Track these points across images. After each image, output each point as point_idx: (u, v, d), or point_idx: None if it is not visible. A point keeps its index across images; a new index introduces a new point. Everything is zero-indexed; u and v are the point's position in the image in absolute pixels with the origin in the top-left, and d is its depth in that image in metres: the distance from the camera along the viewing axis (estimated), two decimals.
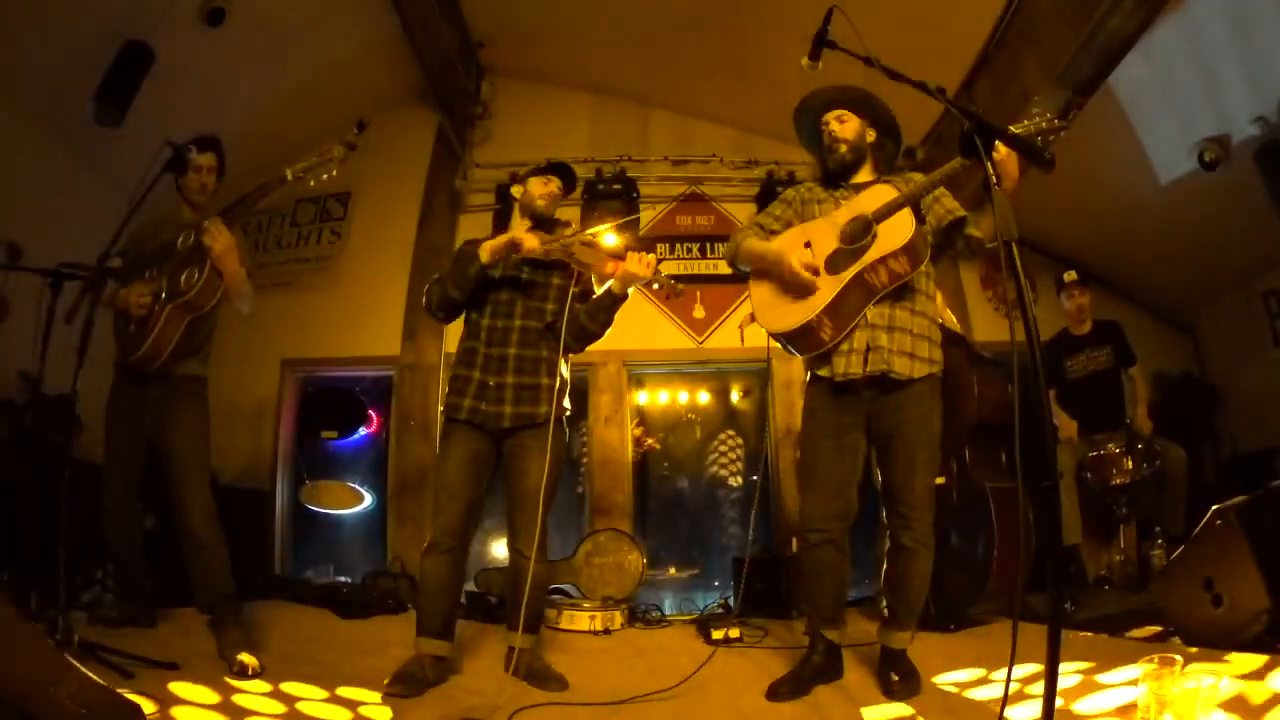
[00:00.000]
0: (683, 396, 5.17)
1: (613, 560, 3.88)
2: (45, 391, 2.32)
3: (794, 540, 3.22)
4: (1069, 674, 1.97)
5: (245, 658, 2.20)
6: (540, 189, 2.55)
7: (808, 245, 2.17)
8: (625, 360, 4.75)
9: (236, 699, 1.97)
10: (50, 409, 2.71)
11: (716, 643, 2.86)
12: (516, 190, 2.62)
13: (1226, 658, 1.94)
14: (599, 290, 2.44)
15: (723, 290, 4.71)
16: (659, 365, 4.95)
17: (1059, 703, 1.26)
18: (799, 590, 2.81)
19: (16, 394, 3.28)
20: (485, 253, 2.38)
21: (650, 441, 5.00)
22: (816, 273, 2.12)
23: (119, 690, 1.67)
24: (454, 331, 2.62)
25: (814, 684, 2.17)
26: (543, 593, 2.48)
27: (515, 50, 4.99)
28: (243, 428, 4.59)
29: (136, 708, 1.60)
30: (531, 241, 2.36)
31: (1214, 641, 2.07)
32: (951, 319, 3.40)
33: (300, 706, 1.98)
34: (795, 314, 2.14)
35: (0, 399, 3.26)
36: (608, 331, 2.46)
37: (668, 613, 3.80)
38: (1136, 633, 2.48)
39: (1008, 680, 1.39)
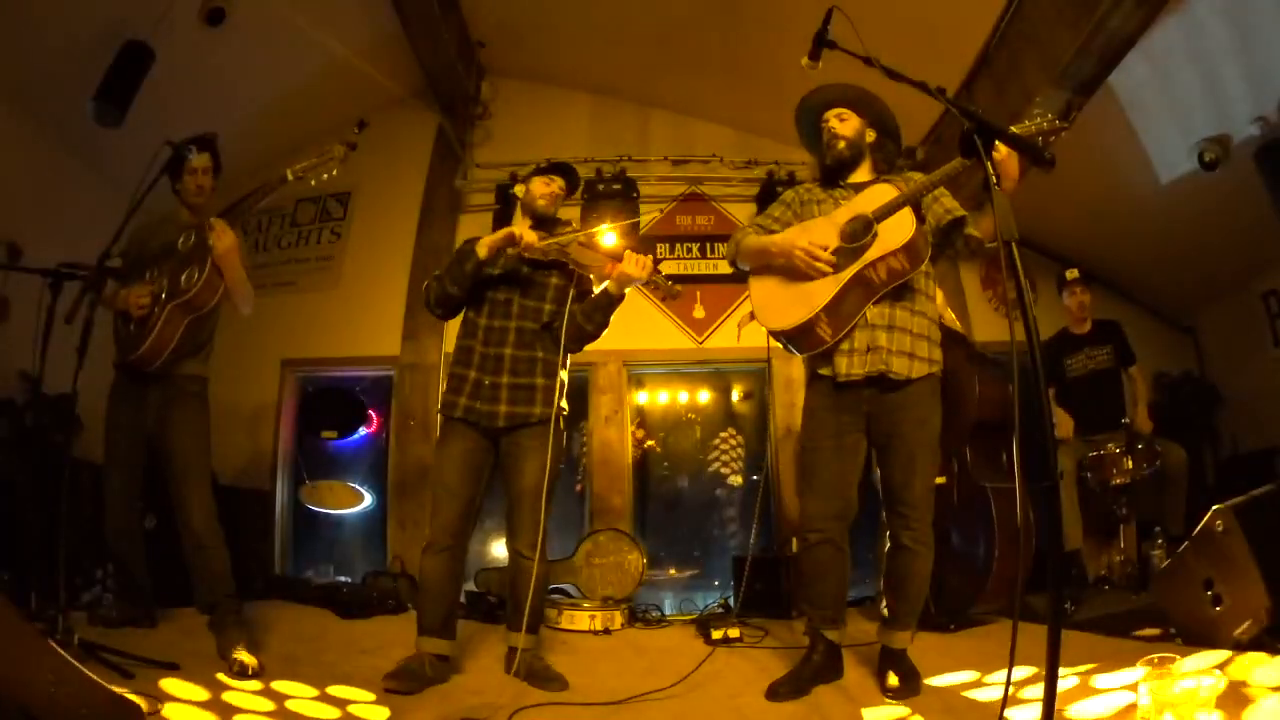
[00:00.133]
0: (683, 396, 5.17)
1: (613, 560, 3.88)
2: (45, 391, 2.33)
3: (794, 540, 3.22)
4: (1069, 674, 1.97)
5: (245, 658, 2.20)
6: (542, 189, 2.56)
7: None
8: (625, 360, 4.75)
9: (235, 699, 1.97)
10: (50, 409, 2.71)
11: (716, 643, 2.86)
12: (519, 189, 2.63)
13: (1227, 658, 1.94)
14: (596, 290, 2.45)
15: (723, 290, 4.71)
16: (659, 365, 4.95)
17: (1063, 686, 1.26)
18: (799, 590, 2.80)
19: (16, 394, 3.28)
20: (483, 248, 2.39)
21: (650, 442, 4.99)
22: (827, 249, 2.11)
23: (119, 690, 1.67)
24: (454, 331, 2.62)
25: (814, 684, 2.17)
26: (543, 592, 2.48)
27: (515, 50, 4.99)
28: (243, 428, 4.59)
29: (136, 708, 1.60)
30: (529, 237, 2.37)
31: (1214, 641, 2.07)
32: (952, 318, 3.40)
33: (300, 707, 1.98)
34: (795, 312, 2.14)
35: (0, 399, 3.26)
36: (605, 332, 2.46)
37: (668, 613, 3.80)
38: (1138, 633, 2.47)
39: (1008, 680, 1.38)
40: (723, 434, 5.09)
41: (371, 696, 2.08)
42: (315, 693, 2.08)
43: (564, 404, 2.43)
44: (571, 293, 2.44)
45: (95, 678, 1.49)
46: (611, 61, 4.91)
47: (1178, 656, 1.54)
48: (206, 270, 2.45)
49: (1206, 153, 3.67)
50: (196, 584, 2.51)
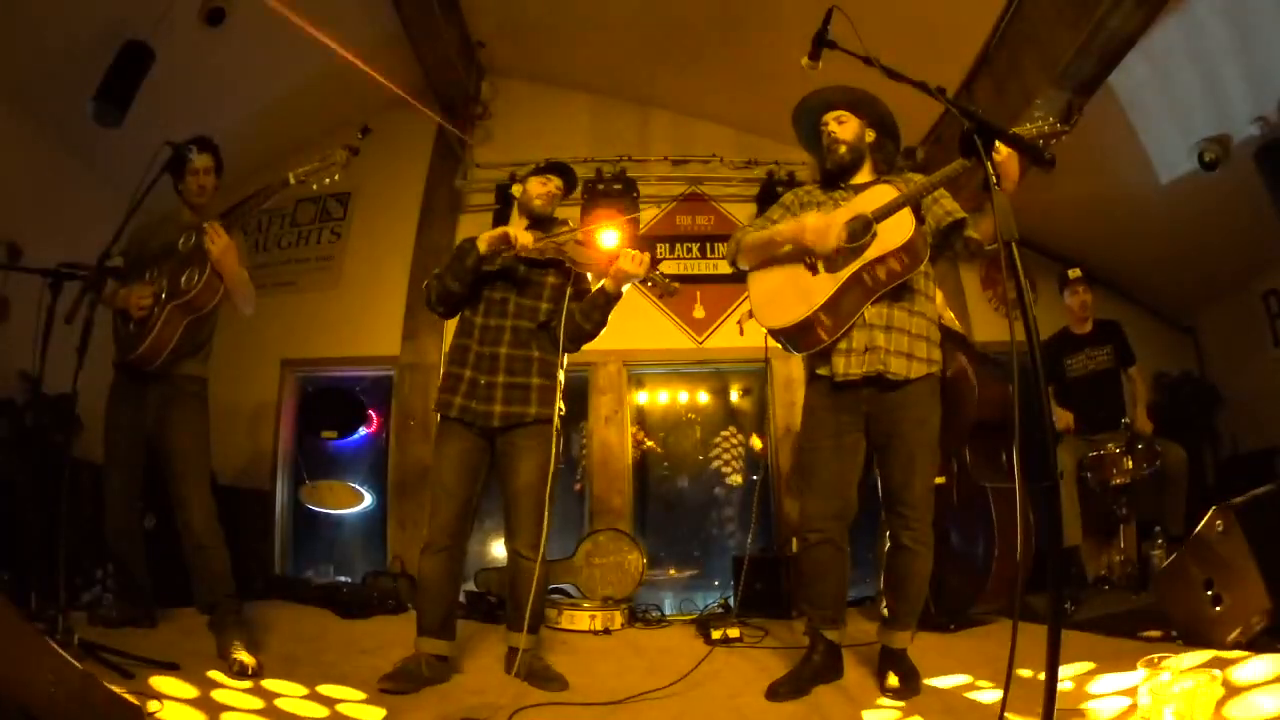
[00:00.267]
0: (683, 396, 5.17)
1: (613, 560, 3.88)
2: (45, 391, 2.33)
3: (794, 540, 3.22)
4: (1069, 674, 1.97)
5: (245, 658, 2.20)
6: (539, 188, 2.56)
7: None
8: (625, 360, 4.75)
9: (235, 699, 1.97)
10: (50, 409, 2.71)
11: (716, 642, 2.86)
12: (516, 189, 2.63)
13: (1226, 658, 1.94)
14: (593, 289, 2.45)
15: (723, 290, 4.71)
16: (659, 365, 4.95)
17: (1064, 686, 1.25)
18: (799, 590, 2.81)
19: (16, 394, 3.28)
20: (482, 243, 2.38)
21: (649, 443, 5.00)
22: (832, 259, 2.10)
23: (119, 690, 1.67)
24: (452, 330, 2.62)
25: (814, 684, 2.17)
26: (543, 593, 2.47)
27: (515, 50, 4.99)
28: (243, 428, 4.60)
29: (137, 708, 1.60)
30: (525, 238, 2.37)
31: (1214, 641, 2.07)
32: (951, 318, 3.40)
33: (298, 707, 1.98)
34: (793, 311, 2.14)
35: (0, 399, 3.26)
36: (603, 331, 2.46)
37: (668, 613, 3.80)
38: (1142, 634, 2.47)
39: (1008, 680, 1.38)
40: (723, 433, 5.09)
41: (372, 697, 2.08)
42: (311, 692, 2.08)
43: (559, 402, 2.43)
44: (569, 291, 2.44)
45: (95, 678, 1.49)
46: (611, 61, 4.91)
47: (1178, 656, 1.54)
48: (207, 271, 2.45)
49: (1206, 153, 3.67)
50: (196, 584, 2.51)
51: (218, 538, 2.52)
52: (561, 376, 2.46)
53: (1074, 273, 3.88)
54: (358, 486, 4.75)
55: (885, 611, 2.26)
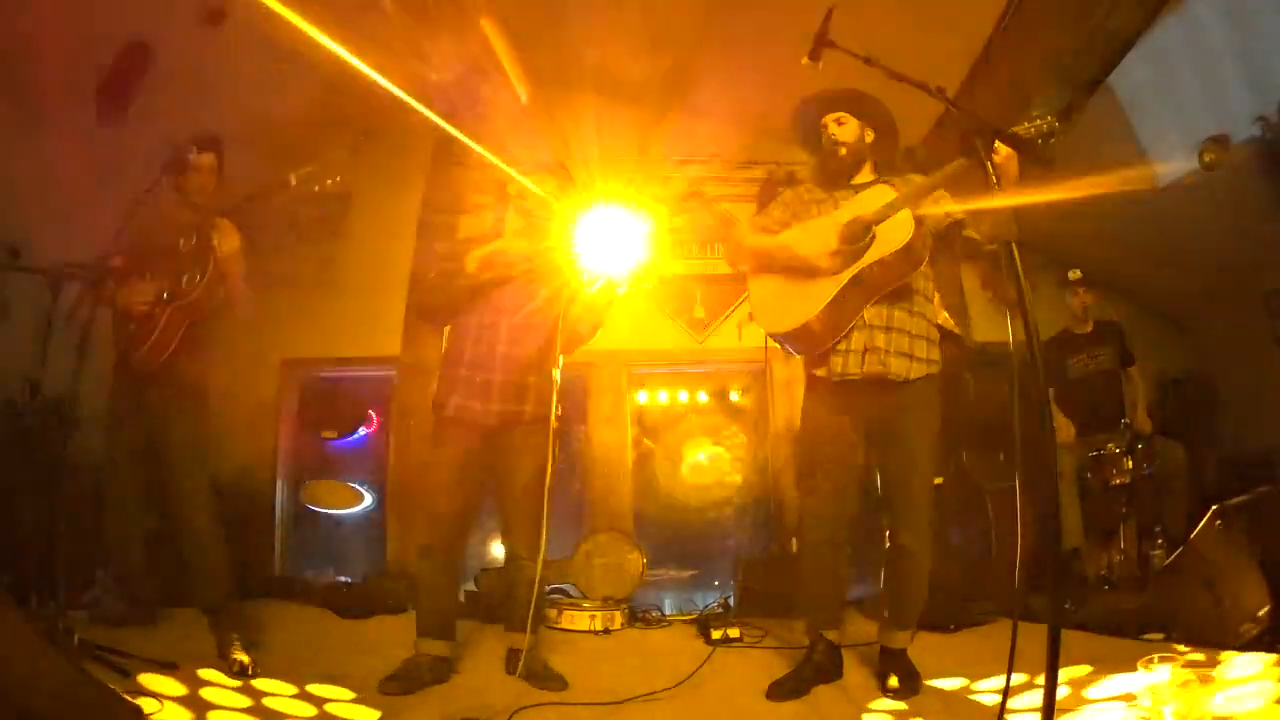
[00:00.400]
0: (683, 396, 5.17)
1: (613, 560, 3.88)
2: (45, 392, 2.32)
3: (794, 540, 3.22)
4: (1069, 674, 1.97)
5: (245, 658, 2.20)
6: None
7: None
8: (625, 360, 4.75)
9: (233, 699, 1.97)
10: (50, 409, 2.71)
11: (716, 643, 2.86)
12: (511, 189, 2.60)
13: (1226, 657, 1.94)
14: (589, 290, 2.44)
15: (723, 290, 4.70)
16: (659, 365, 4.94)
17: (1062, 693, 1.25)
18: (799, 590, 2.81)
19: (16, 394, 3.28)
20: (473, 264, 2.37)
21: (647, 442, 4.99)
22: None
23: (119, 690, 1.67)
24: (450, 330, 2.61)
25: (814, 684, 2.17)
26: (542, 593, 2.46)
27: (514, 50, 4.98)
28: (243, 428, 4.58)
29: (137, 708, 1.60)
30: (518, 247, 2.36)
31: (1214, 641, 2.07)
32: (945, 318, 3.40)
33: (295, 707, 1.98)
34: (794, 314, 2.14)
35: (0, 399, 3.25)
36: (598, 332, 2.46)
37: (668, 613, 3.79)
38: (1145, 637, 2.47)
39: (1008, 680, 1.39)
40: (725, 431, 5.09)
41: (370, 697, 2.08)
42: (301, 691, 2.07)
43: (554, 401, 2.42)
44: (564, 293, 2.44)
45: (95, 677, 1.49)
46: (612, 61, 4.90)
47: (1178, 656, 1.54)
48: (209, 272, 2.45)
49: (1206, 153, 3.67)
50: (196, 584, 2.51)
51: (217, 537, 2.52)
52: (558, 376, 2.45)
53: (1074, 274, 3.88)
54: (358, 486, 4.75)
55: (885, 611, 2.26)
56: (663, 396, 5.14)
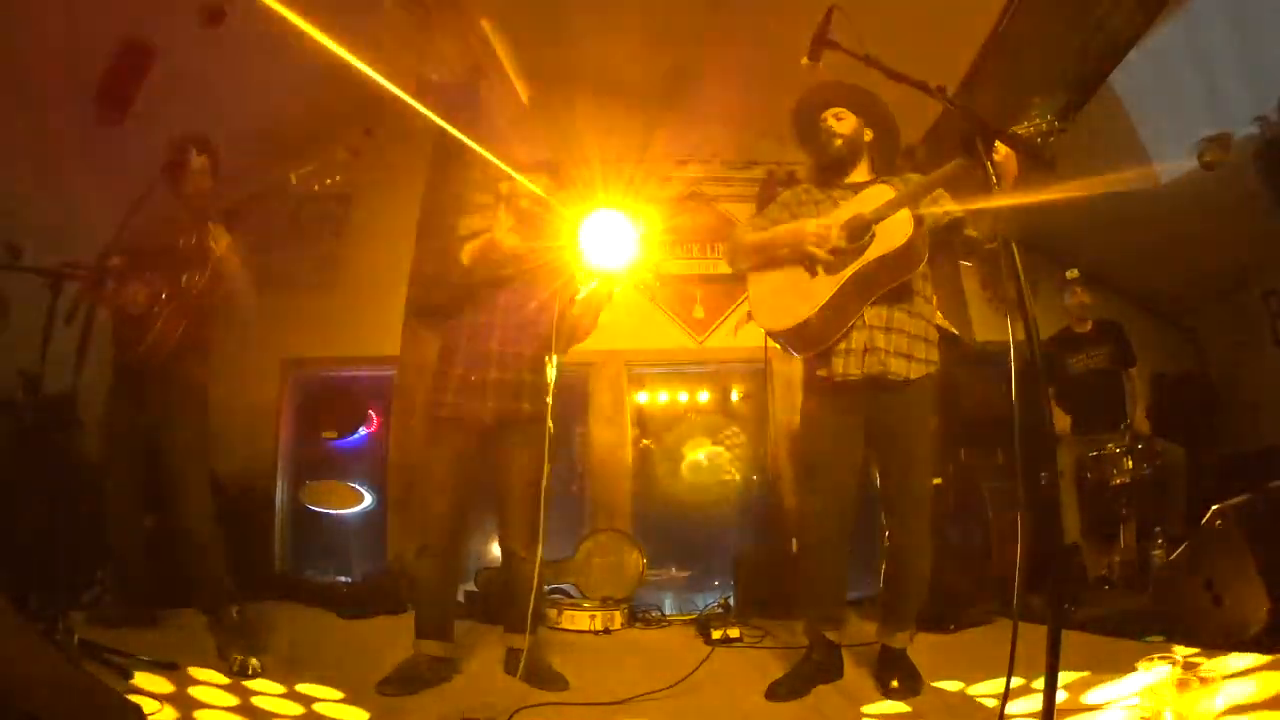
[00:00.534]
0: (683, 396, 5.17)
1: (613, 560, 3.88)
2: (45, 391, 2.32)
3: (794, 540, 3.22)
4: (1069, 674, 1.97)
5: (245, 658, 2.20)
6: (525, 188, 2.54)
7: None
8: (625, 360, 4.75)
9: (213, 696, 1.97)
10: (50, 409, 2.71)
11: (716, 643, 2.87)
12: (504, 187, 2.60)
13: (1226, 658, 1.94)
14: (584, 290, 2.44)
15: (723, 290, 4.71)
16: (659, 365, 4.94)
17: (1061, 696, 1.25)
18: (799, 590, 2.81)
19: (16, 394, 3.28)
20: (466, 256, 2.37)
21: (646, 442, 4.99)
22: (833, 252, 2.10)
23: (119, 690, 1.67)
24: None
25: (814, 684, 2.17)
26: (540, 592, 2.46)
27: (515, 50, 4.98)
28: (243, 428, 4.58)
29: (136, 708, 1.60)
30: (511, 240, 2.36)
31: (1214, 641, 2.07)
32: (942, 319, 3.40)
33: (322, 709, 1.98)
34: (792, 313, 2.14)
35: (0, 399, 3.25)
36: (593, 331, 2.45)
37: (668, 613, 3.80)
38: (1148, 639, 2.47)
39: (1008, 680, 1.38)
40: (726, 430, 5.09)
41: (357, 698, 2.07)
42: (290, 691, 2.07)
43: (549, 399, 2.41)
44: (559, 291, 2.44)
45: (95, 678, 1.49)
46: (611, 61, 4.90)
47: (1178, 656, 1.54)
48: (207, 271, 2.45)
49: (1206, 153, 3.67)
50: (196, 584, 2.52)
51: (217, 538, 2.52)
52: (552, 373, 2.45)
53: (1071, 273, 3.89)
54: (358, 486, 4.75)
55: (885, 612, 2.26)
56: (663, 396, 5.14)
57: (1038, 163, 1.52)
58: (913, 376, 2.12)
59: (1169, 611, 2.34)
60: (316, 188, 2.52)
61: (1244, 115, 3.49)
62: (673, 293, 4.75)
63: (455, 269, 2.37)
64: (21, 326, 2.58)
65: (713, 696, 2.17)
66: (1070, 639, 1.30)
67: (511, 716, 1.93)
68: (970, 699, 2.05)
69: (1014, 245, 1.36)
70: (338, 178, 2.50)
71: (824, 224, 2.11)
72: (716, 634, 2.95)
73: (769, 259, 2.23)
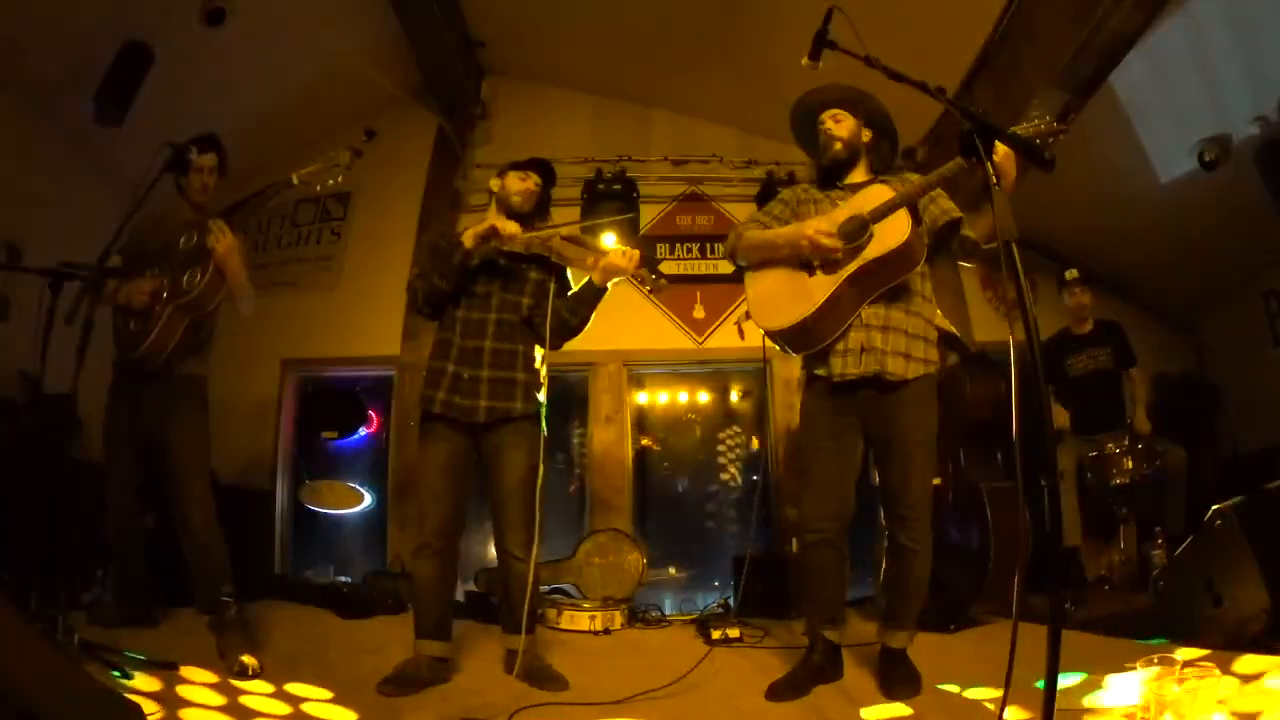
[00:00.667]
0: (683, 396, 5.17)
1: (613, 560, 3.88)
2: (45, 391, 2.32)
3: (794, 540, 3.23)
4: (1069, 675, 1.97)
5: (245, 658, 2.20)
6: (518, 184, 2.53)
7: None
8: (625, 360, 4.75)
9: (244, 700, 1.97)
10: (50, 409, 2.71)
11: (716, 643, 2.87)
12: (494, 184, 2.58)
13: (1226, 658, 1.94)
14: (578, 285, 2.44)
15: (723, 290, 4.71)
16: (659, 365, 4.95)
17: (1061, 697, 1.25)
18: (798, 590, 2.81)
19: (16, 394, 3.28)
20: (469, 239, 2.35)
21: (645, 441, 5.00)
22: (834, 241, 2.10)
23: (119, 690, 1.67)
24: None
25: (814, 684, 2.17)
26: (536, 592, 2.43)
27: (515, 50, 4.99)
28: (243, 428, 4.59)
29: (136, 707, 1.60)
30: (512, 228, 2.35)
31: (1214, 641, 2.07)
32: (941, 319, 3.41)
33: (310, 709, 1.98)
34: (790, 312, 2.14)
35: (0, 399, 3.25)
36: (587, 327, 2.44)
37: (668, 613, 3.80)
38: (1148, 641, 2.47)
39: (1007, 681, 1.38)
40: (728, 430, 5.10)
41: (366, 698, 2.07)
42: (278, 690, 2.07)
43: (542, 398, 2.41)
44: (552, 287, 2.43)
45: (95, 677, 1.49)
46: (611, 61, 4.91)
47: (1177, 656, 1.54)
48: (209, 271, 2.45)
49: (1206, 153, 3.67)
50: (196, 584, 2.51)
51: (217, 537, 2.52)
52: (545, 371, 2.44)
53: (1071, 274, 3.88)
54: (358, 486, 4.75)
55: (885, 612, 2.26)
56: (663, 397, 5.15)
57: (1038, 163, 1.52)
58: (911, 376, 2.12)
59: (1169, 611, 2.34)
60: (318, 188, 2.52)
61: (1244, 115, 3.49)
62: (673, 293, 4.76)
63: (457, 251, 2.35)
64: (21, 326, 2.58)
65: (713, 696, 2.16)
66: (1070, 639, 1.30)
67: (511, 716, 1.93)
68: (970, 700, 2.05)
69: (1014, 245, 1.36)
70: (340, 178, 2.49)
71: (823, 224, 2.11)
72: (716, 634, 2.95)
73: (768, 258, 2.23)
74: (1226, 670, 1.78)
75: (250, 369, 4.60)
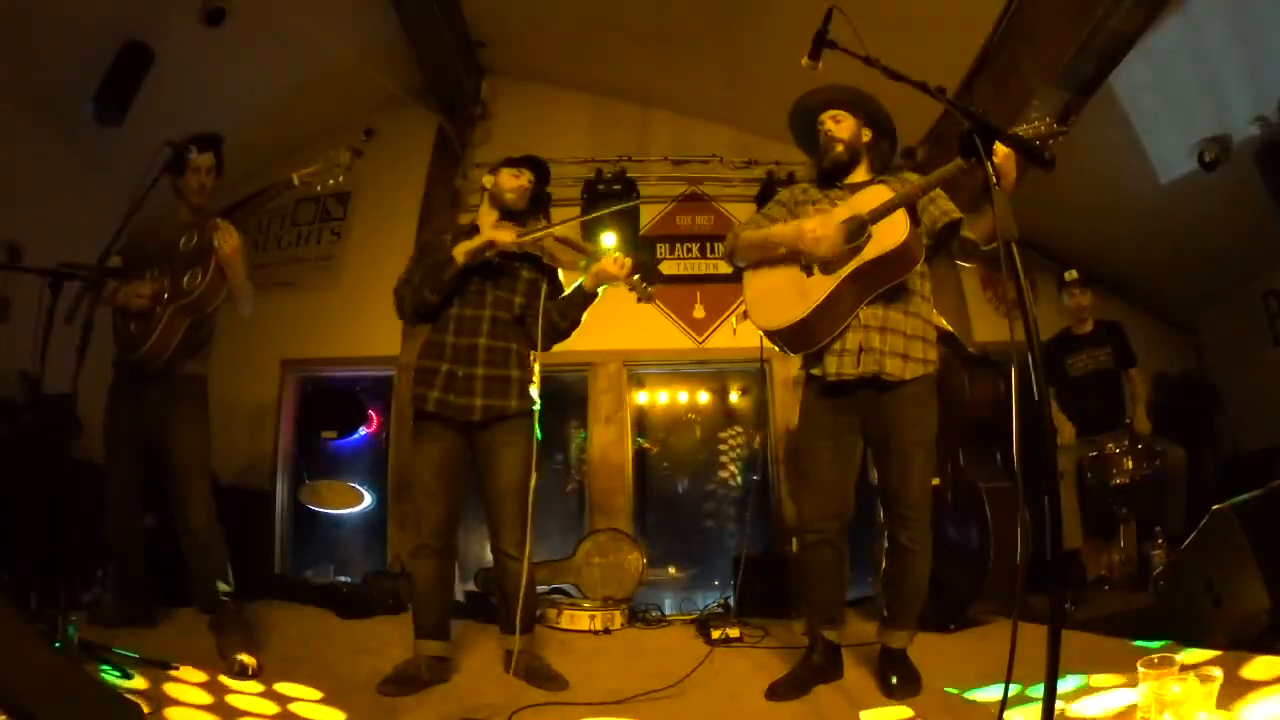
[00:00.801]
0: (683, 396, 5.17)
1: (613, 560, 3.88)
2: (45, 391, 2.32)
3: (794, 540, 3.23)
4: (1069, 675, 1.97)
5: (245, 658, 2.20)
6: (511, 182, 2.51)
7: None
8: (625, 360, 4.75)
9: (235, 701, 1.97)
10: (50, 409, 2.71)
11: (716, 642, 2.86)
12: (487, 180, 2.56)
13: (1226, 658, 1.94)
14: (569, 288, 2.43)
15: (723, 290, 4.71)
16: (659, 365, 4.95)
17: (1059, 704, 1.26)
18: (798, 590, 2.81)
19: (16, 394, 3.28)
20: (461, 255, 2.32)
21: (643, 442, 5.00)
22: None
23: (119, 690, 1.67)
24: None
25: (814, 684, 2.17)
26: (533, 592, 2.43)
27: (515, 50, 4.99)
28: (243, 428, 4.59)
29: (136, 708, 1.60)
30: (506, 237, 2.33)
31: (1214, 641, 2.07)
32: (939, 319, 3.41)
33: (298, 709, 1.98)
34: (788, 312, 2.13)
35: (0, 399, 3.25)
36: (576, 330, 2.44)
37: (668, 613, 3.80)
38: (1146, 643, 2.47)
39: (1007, 681, 1.38)
40: (730, 430, 5.10)
41: (359, 699, 2.06)
42: (267, 689, 2.06)
43: (535, 395, 2.39)
44: (544, 288, 2.42)
45: (95, 678, 1.49)
46: (611, 61, 4.91)
47: (1177, 656, 1.54)
48: (210, 271, 2.45)
49: (1206, 153, 3.67)
50: (196, 584, 2.51)
51: (218, 537, 2.52)
52: (537, 370, 2.44)
53: (1070, 274, 3.88)
54: (358, 486, 4.75)
55: (884, 611, 2.26)
56: (663, 396, 5.15)
57: (1038, 163, 1.52)
58: (909, 376, 2.12)
59: (1169, 611, 2.34)
60: (319, 189, 2.52)
61: (1244, 115, 3.49)
62: (673, 293, 4.76)
63: (450, 268, 2.34)
64: (21, 326, 2.58)
65: (713, 696, 2.17)
66: (1070, 639, 1.30)
67: (511, 716, 1.93)
68: (970, 699, 2.05)
69: (1014, 245, 1.36)
70: (340, 179, 2.49)
71: (821, 225, 2.10)
72: (716, 634, 2.95)
73: (766, 257, 2.23)
74: (1234, 676, 1.77)
75: (250, 369, 4.60)
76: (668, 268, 4.85)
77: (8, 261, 3.42)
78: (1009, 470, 3.27)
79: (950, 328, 3.64)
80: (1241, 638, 2.02)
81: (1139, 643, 2.38)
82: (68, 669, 1.45)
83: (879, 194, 2.08)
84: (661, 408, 5.17)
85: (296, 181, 2.47)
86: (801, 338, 2.15)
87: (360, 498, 4.74)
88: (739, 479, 5.08)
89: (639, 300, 2.38)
